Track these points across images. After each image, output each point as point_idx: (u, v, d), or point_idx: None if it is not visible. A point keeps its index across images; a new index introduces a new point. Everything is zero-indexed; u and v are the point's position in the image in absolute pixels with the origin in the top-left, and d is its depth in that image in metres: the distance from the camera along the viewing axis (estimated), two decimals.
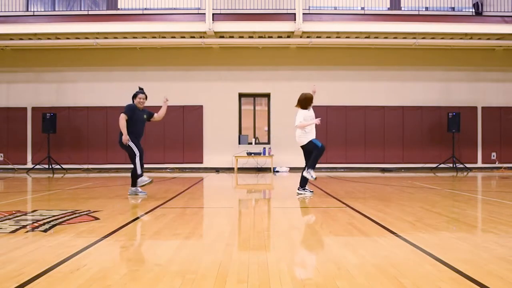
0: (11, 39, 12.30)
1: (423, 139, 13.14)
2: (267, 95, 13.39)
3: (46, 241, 3.17)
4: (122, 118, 5.96)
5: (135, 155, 5.98)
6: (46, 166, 12.19)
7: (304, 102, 6.32)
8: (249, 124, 13.56)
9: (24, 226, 3.75)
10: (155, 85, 12.90)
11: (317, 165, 6.54)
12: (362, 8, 12.91)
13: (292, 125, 13.21)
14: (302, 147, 6.41)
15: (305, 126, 6.21)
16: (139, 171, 5.99)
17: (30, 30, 11.88)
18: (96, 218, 4.20)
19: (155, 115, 6.47)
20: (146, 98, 6.26)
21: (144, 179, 6.00)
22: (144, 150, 6.16)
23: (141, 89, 6.28)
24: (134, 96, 6.20)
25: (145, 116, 6.25)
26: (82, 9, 13.35)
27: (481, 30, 11.99)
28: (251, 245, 3.12)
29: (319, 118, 6.39)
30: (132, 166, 6.04)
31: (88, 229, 3.63)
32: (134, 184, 6.17)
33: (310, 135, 6.30)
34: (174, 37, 12.32)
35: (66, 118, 12.92)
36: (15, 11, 12.47)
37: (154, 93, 12.72)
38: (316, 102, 6.28)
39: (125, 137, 5.92)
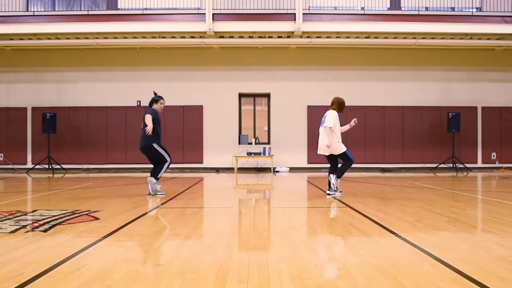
0: (11, 39, 12.30)
1: (423, 139, 13.14)
2: (267, 95, 13.39)
3: (46, 241, 3.16)
4: (149, 117, 5.96)
5: (166, 161, 6.15)
6: (46, 166, 12.19)
7: (342, 105, 6.12)
8: (249, 124, 13.56)
9: (24, 226, 3.75)
10: (155, 85, 12.88)
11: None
12: (362, 8, 12.91)
13: (292, 125, 13.27)
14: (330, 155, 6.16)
15: (332, 132, 5.93)
16: (160, 174, 6.14)
17: (30, 30, 11.89)
18: (96, 218, 4.20)
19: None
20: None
21: (159, 187, 6.26)
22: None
23: (157, 94, 6.36)
24: (156, 101, 6.25)
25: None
26: (82, 9, 13.36)
27: (481, 30, 11.99)
28: (251, 245, 3.12)
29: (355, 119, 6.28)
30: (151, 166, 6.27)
31: (88, 229, 3.63)
32: (156, 177, 6.24)
33: (339, 143, 6.08)
34: (174, 37, 12.32)
35: (66, 118, 12.93)
36: (15, 11, 12.48)
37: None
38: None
39: (149, 126, 5.87)
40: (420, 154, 13.10)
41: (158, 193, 6.25)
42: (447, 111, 12.83)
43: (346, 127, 6.29)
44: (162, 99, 6.33)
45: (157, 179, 6.18)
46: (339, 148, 6.04)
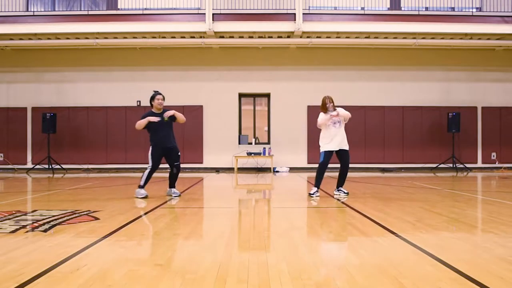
0: (11, 39, 12.29)
1: (423, 139, 13.14)
2: (267, 95, 13.39)
3: (46, 241, 3.17)
4: (137, 124, 5.88)
5: (148, 166, 5.96)
6: (46, 166, 12.19)
7: (321, 104, 6.15)
8: (249, 124, 13.56)
9: (24, 226, 3.75)
10: (155, 85, 12.80)
11: (316, 165, 6.48)
12: (362, 8, 12.90)
13: (292, 125, 13.26)
14: None
15: (320, 125, 6.07)
16: (141, 182, 5.95)
17: (30, 30, 11.88)
18: (96, 218, 4.20)
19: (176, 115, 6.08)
20: (164, 98, 6.04)
21: (141, 192, 5.93)
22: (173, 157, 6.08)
23: (156, 91, 6.09)
24: (152, 99, 5.99)
25: (166, 119, 5.94)
26: (82, 9, 13.35)
27: (481, 30, 11.98)
28: (251, 245, 3.12)
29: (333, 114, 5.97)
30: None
31: (88, 229, 3.63)
32: (172, 185, 6.22)
33: (323, 142, 6.07)
34: (174, 37, 12.32)
35: (66, 118, 12.92)
36: (15, 11, 12.47)
37: None
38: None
39: (152, 119, 5.83)
40: (420, 154, 13.09)
41: (139, 196, 5.93)
42: (447, 111, 12.83)
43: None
44: (159, 94, 5.97)
45: (139, 186, 5.95)
46: (320, 145, 6.11)
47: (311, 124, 12.83)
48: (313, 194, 6.05)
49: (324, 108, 6.10)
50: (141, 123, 5.85)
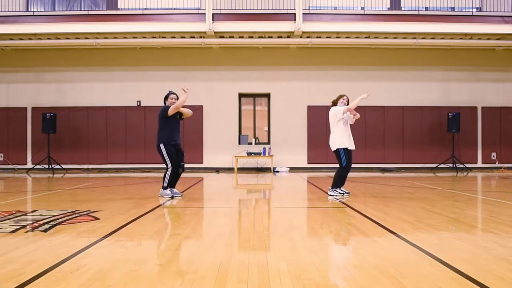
0: (11, 39, 12.29)
1: (423, 139, 13.14)
2: (267, 95, 13.39)
3: (46, 241, 3.16)
4: (173, 107, 5.83)
5: (167, 168, 5.88)
6: (46, 166, 12.19)
7: (335, 99, 6.10)
8: (249, 124, 13.55)
9: (24, 226, 3.75)
10: (155, 85, 12.91)
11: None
12: (362, 8, 12.90)
13: (292, 125, 13.25)
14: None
15: (350, 109, 5.85)
16: (164, 183, 5.89)
17: (30, 30, 11.88)
18: (96, 218, 4.20)
19: (181, 110, 6.15)
20: (177, 98, 6.10)
21: (167, 192, 5.90)
22: (183, 153, 6.04)
23: (171, 91, 6.20)
24: (166, 98, 6.09)
25: (177, 116, 6.09)
26: (82, 9, 13.35)
27: (481, 30, 11.98)
28: (251, 245, 3.11)
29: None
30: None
31: (88, 229, 3.63)
32: (172, 185, 6.07)
33: (341, 140, 5.89)
34: (174, 37, 12.32)
35: (66, 118, 12.92)
36: (15, 11, 12.47)
37: (154, 93, 12.77)
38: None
39: (185, 89, 5.91)
40: (420, 154, 13.09)
41: (164, 196, 5.93)
42: (447, 111, 12.83)
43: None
44: (173, 93, 6.05)
45: (163, 187, 5.92)
46: (332, 142, 5.95)
47: (311, 124, 12.83)
48: (342, 193, 5.99)
49: (335, 102, 6.10)
50: (182, 100, 5.85)
